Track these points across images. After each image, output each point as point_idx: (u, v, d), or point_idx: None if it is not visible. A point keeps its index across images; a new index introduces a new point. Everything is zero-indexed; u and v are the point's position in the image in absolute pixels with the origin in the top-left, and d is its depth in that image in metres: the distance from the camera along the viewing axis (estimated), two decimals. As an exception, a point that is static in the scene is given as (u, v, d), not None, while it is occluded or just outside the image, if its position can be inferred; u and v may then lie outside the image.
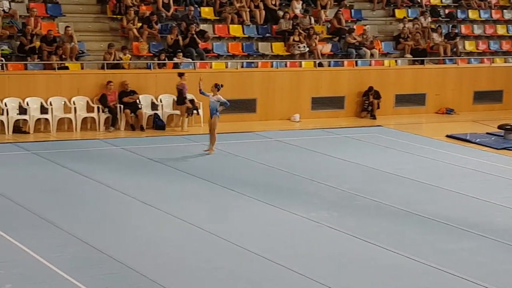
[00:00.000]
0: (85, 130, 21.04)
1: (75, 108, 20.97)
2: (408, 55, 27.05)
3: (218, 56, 24.54)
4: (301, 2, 27.17)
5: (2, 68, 20.84)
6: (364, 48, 26.15)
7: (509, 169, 18.35)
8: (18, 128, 20.41)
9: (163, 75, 22.40)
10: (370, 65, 26.03)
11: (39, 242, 11.98)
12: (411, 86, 25.82)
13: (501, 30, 29.96)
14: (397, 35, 27.63)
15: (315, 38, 25.41)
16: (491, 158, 19.53)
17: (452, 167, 18.45)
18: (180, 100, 21.58)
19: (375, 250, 12.40)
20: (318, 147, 19.90)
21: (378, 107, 24.68)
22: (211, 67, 23.74)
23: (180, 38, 23.61)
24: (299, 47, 25.10)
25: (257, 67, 24.46)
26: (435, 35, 27.85)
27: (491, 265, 12.02)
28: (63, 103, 20.94)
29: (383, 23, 28.81)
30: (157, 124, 21.63)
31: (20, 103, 20.43)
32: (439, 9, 29.77)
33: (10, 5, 23.02)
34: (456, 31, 28.40)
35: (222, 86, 19.02)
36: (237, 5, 25.74)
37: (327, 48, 26.02)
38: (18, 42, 22.09)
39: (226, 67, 23.96)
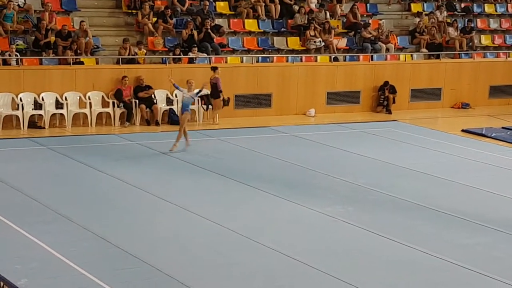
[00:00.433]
0: (100, 125, 21.08)
1: (90, 103, 21.01)
2: (424, 50, 26.95)
3: (233, 51, 24.52)
4: (316, -3, 27.15)
5: (17, 63, 20.90)
6: (379, 43, 26.06)
7: (526, 163, 18.28)
8: (34, 123, 20.48)
9: (178, 70, 22.40)
10: (385, 59, 25.96)
11: (54, 237, 12.01)
12: (426, 80, 25.72)
13: (517, 24, 29.83)
14: (412, 30, 27.54)
15: (331, 33, 25.35)
16: (506, 152, 19.43)
17: (467, 161, 18.38)
18: (215, 93, 21.68)
19: (390, 244, 12.37)
20: (333, 142, 19.86)
21: (394, 102, 24.60)
22: (226, 62, 23.72)
23: (195, 32, 23.61)
24: (314, 42, 25.05)
25: (272, 62, 24.42)
26: (451, 29, 27.73)
27: (507, 259, 11.96)
28: (78, 98, 20.98)
29: (399, 18, 28.71)
30: (172, 119, 21.64)
31: (35, 98, 20.48)
32: (455, 3, 29.62)
33: (25, 0, 23.07)
34: (472, 25, 28.26)
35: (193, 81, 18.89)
36: (252, -1, 25.76)
37: (342, 42, 25.97)
38: (33, 37, 22.16)
39: (242, 62, 23.94)
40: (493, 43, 28.80)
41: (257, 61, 24.01)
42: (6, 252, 11.30)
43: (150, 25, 23.60)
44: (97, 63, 22.23)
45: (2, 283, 10.19)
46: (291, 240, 12.42)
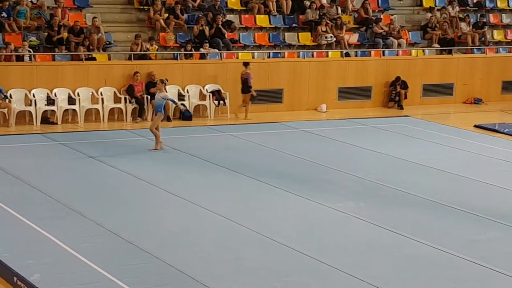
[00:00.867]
0: (112, 121, 21.14)
1: (102, 99, 21.07)
2: (436, 45, 26.88)
3: (244, 47, 24.54)
4: (328, -8, 27.11)
5: (30, 59, 20.98)
6: (391, 38, 26.01)
7: (538, 159, 18.22)
8: (46, 119, 20.56)
9: (189, 66, 22.45)
10: (397, 55, 25.91)
11: (67, 232, 12.06)
12: (438, 76, 25.66)
13: (530, 19, 29.71)
14: (424, 25, 27.46)
15: (342, 28, 25.32)
16: (519, 148, 19.39)
17: (480, 157, 18.33)
18: (245, 89, 21.79)
19: (402, 240, 12.36)
20: (344, 137, 19.85)
21: (406, 97, 24.56)
22: (237, 58, 23.74)
23: (206, 28, 23.63)
24: (326, 37, 25.03)
25: (283, 57, 24.43)
26: (463, 25, 27.64)
27: (519, 255, 11.94)
28: (91, 94, 21.05)
29: (411, 13, 28.63)
30: (184, 114, 21.67)
31: (48, 94, 20.57)
32: (467, -2, 29.55)
33: (38, -3, 23.19)
34: (484, 20, 28.16)
35: (167, 80, 18.85)
36: (264, -5, 25.75)
37: (354, 38, 25.93)
38: (46, 33, 22.24)
39: (253, 57, 23.94)
40: (506, 38, 28.67)
41: (269, 57, 24.03)
42: (19, 247, 11.35)
43: (161, 21, 23.63)
44: (109, 59, 22.30)
45: (15, 278, 10.27)
46: (301, 235, 12.43)
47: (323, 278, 10.74)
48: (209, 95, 22.13)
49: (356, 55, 25.47)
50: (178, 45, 23.59)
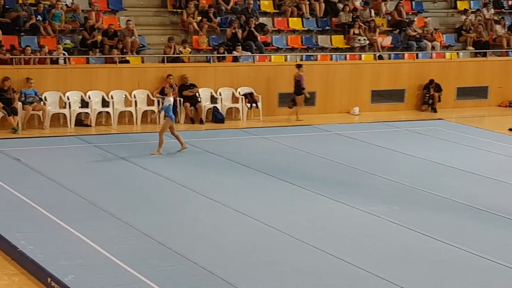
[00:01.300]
0: (145, 123, 21.24)
1: (135, 101, 21.18)
2: (470, 48, 26.68)
3: (277, 49, 24.53)
4: (361, -5, 27.03)
5: (65, 62, 21.14)
6: (425, 41, 25.87)
7: None
8: (80, 121, 20.71)
9: (222, 69, 22.48)
10: (431, 57, 25.76)
11: (100, 234, 12.13)
12: (473, 78, 25.46)
13: None
14: (459, 27, 27.27)
15: (376, 31, 25.23)
16: (555, 152, 19.17)
17: (514, 161, 18.17)
18: (298, 90, 21.89)
19: (436, 244, 12.27)
20: (377, 140, 19.76)
21: (439, 100, 24.41)
22: (270, 61, 23.74)
23: (239, 31, 23.66)
24: (359, 40, 24.94)
25: (316, 60, 24.39)
26: (498, 27, 27.41)
27: (555, 261, 11.80)
28: (124, 96, 21.17)
29: (445, 15, 28.46)
30: (217, 117, 21.72)
31: (82, 96, 20.72)
32: (502, 1, 29.26)
33: (72, 0, 23.35)
34: (520, 22, 27.94)
35: (176, 86, 19.00)
36: (297, -2, 25.73)
37: (387, 40, 25.83)
38: (80, 36, 22.40)
39: (286, 60, 23.94)
40: (541, 41, 28.39)
41: (301, 60, 23.99)
42: (53, 249, 11.43)
43: (194, 24, 23.70)
44: (142, 62, 22.40)
45: (49, 279, 10.34)
46: (335, 239, 12.39)
47: (356, 282, 10.69)
48: (242, 98, 22.15)
49: (389, 58, 25.36)
50: (211, 48, 23.64)
